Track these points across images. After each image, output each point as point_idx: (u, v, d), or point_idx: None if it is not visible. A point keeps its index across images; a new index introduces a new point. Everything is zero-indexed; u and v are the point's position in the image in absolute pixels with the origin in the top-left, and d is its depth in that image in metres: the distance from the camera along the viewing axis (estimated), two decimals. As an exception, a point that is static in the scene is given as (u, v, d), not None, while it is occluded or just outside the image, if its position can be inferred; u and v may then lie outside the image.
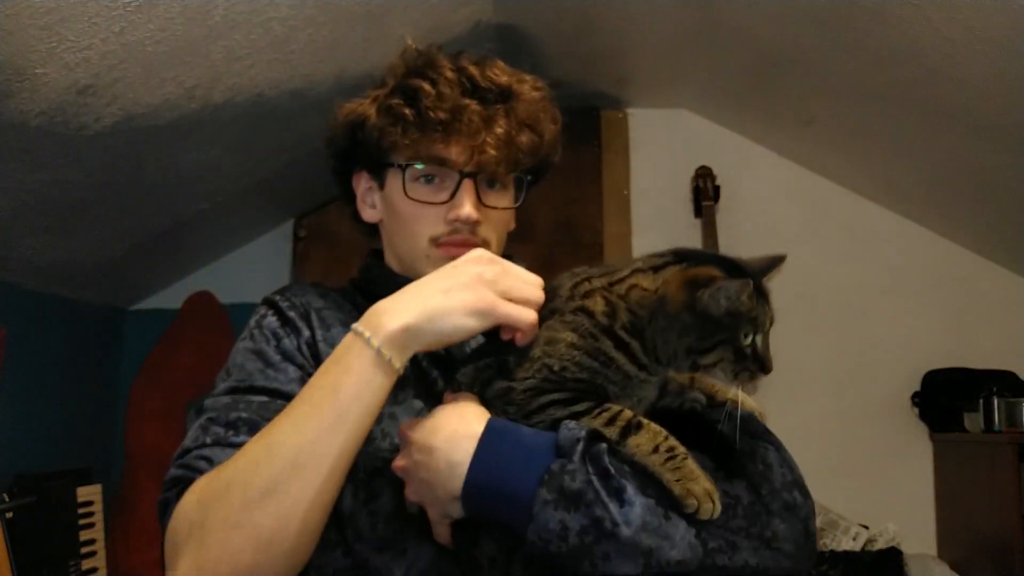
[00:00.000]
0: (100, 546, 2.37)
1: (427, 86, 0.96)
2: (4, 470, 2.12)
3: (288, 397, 0.85)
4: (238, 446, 0.81)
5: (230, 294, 2.94)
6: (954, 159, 2.47)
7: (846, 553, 2.60)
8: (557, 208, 2.92)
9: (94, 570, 2.33)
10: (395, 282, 0.96)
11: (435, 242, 0.98)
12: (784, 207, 2.99)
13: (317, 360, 0.92)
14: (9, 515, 1.93)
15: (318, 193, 2.83)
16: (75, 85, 1.56)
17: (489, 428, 0.79)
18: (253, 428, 0.83)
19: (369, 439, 0.87)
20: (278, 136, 2.28)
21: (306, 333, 0.95)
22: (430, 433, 0.80)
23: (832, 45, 2.19)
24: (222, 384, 0.92)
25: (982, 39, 1.86)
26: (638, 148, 3.04)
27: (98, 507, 2.40)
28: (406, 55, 1.03)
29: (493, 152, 0.96)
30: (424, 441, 0.80)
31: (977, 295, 2.89)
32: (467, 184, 0.97)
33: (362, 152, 1.03)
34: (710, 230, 2.89)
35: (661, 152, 3.04)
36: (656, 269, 0.81)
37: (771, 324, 0.78)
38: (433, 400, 0.90)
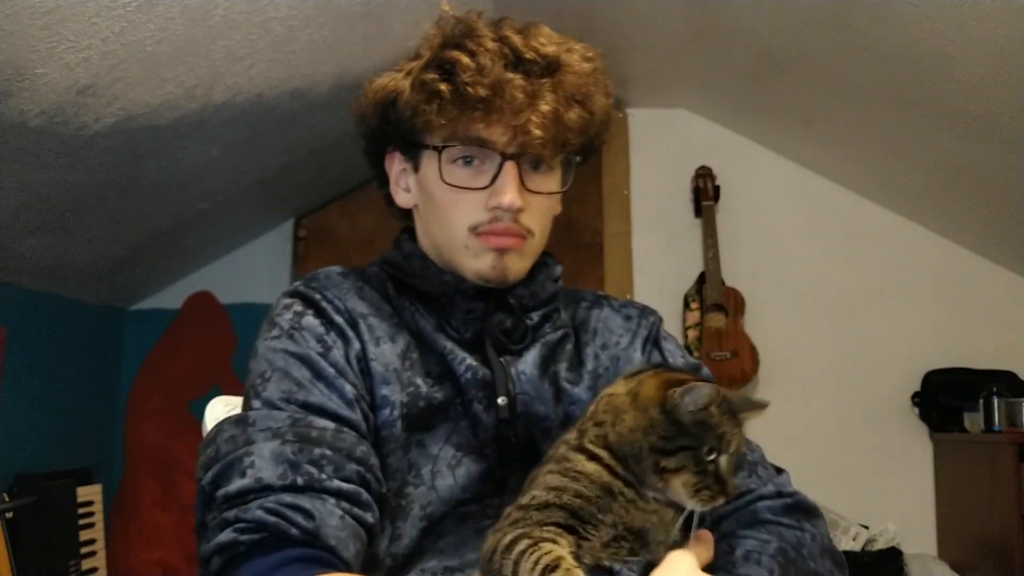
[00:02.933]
0: (100, 546, 2.37)
1: (465, 58, 0.87)
2: (4, 470, 2.11)
3: (349, 424, 0.81)
4: (333, 493, 0.76)
5: (230, 294, 2.94)
6: (954, 159, 2.47)
7: (846, 553, 2.60)
8: (557, 208, 2.92)
9: (94, 570, 2.33)
10: (440, 279, 0.93)
11: (474, 231, 0.90)
12: (784, 207, 2.99)
13: (369, 377, 0.86)
14: (9, 515, 1.92)
15: (318, 193, 2.83)
16: (75, 85, 1.56)
17: None
18: (338, 470, 0.77)
19: (392, 471, 0.84)
20: (278, 136, 2.28)
21: (356, 345, 0.87)
22: None
23: (832, 45, 2.19)
24: (266, 391, 0.82)
25: (982, 39, 1.86)
26: (638, 148, 3.04)
27: (98, 507, 2.40)
28: (442, 22, 0.93)
29: (539, 132, 0.86)
30: None
31: (977, 295, 2.89)
32: (509, 167, 0.88)
33: (395, 132, 0.94)
34: (710, 230, 2.90)
35: (661, 152, 3.04)
36: (632, 375, 0.81)
37: (737, 449, 0.76)
38: (469, 423, 0.87)
